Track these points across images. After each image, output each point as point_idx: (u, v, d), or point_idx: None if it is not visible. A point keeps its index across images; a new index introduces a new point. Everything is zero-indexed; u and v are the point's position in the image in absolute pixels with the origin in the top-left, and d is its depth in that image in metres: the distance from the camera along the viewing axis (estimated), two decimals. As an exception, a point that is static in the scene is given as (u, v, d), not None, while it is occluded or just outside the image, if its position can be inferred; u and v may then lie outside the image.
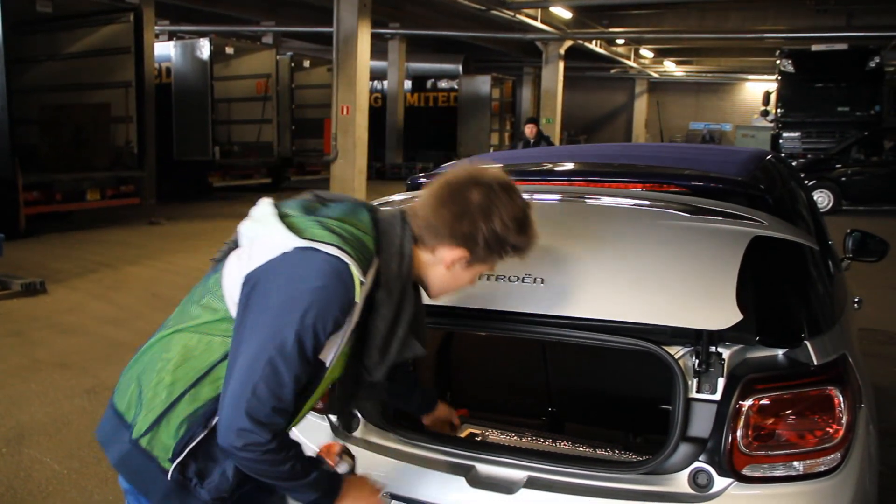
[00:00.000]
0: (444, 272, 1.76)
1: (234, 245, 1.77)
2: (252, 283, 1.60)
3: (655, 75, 34.15)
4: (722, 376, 2.01)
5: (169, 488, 1.65)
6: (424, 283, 1.80)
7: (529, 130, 12.88)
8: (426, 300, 1.89)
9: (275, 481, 1.62)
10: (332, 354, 1.65)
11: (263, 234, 1.65)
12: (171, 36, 18.79)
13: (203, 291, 1.75)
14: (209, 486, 1.66)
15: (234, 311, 1.64)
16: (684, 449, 1.99)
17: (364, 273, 1.59)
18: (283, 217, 1.66)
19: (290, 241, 1.58)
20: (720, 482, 1.95)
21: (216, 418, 1.60)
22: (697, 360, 2.01)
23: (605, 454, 2.43)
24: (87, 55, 13.09)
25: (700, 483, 1.96)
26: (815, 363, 2.01)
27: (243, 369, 1.54)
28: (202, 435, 1.63)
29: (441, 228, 1.70)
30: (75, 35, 13.19)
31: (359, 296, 1.59)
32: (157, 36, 16.05)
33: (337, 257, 1.56)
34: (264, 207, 1.71)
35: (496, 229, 1.67)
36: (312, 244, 1.57)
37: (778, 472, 1.96)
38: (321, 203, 1.77)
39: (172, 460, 1.63)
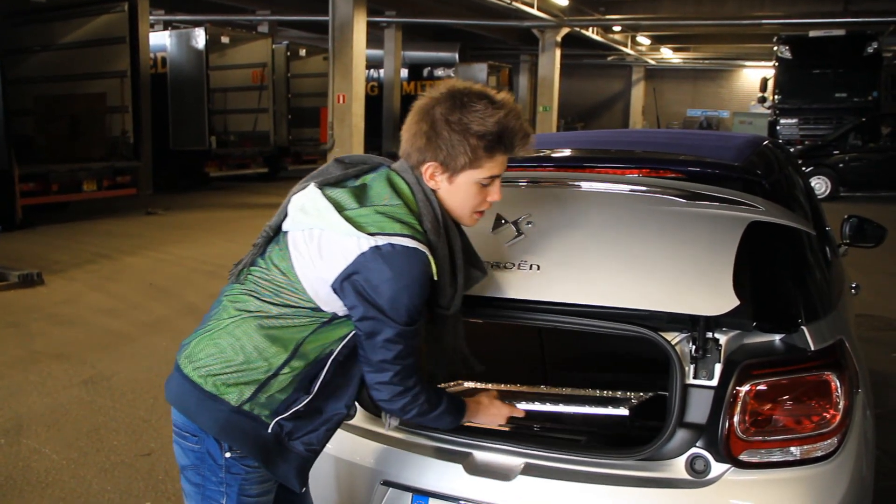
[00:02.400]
0: (451, 193, 1.82)
1: (277, 231, 1.86)
2: (346, 288, 1.72)
3: (652, 62, 34.08)
4: (719, 362, 2.00)
5: (268, 440, 1.80)
6: (451, 212, 1.86)
7: None
8: None
9: (427, 416, 1.89)
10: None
11: (328, 231, 1.73)
12: (167, 25, 18.72)
13: (271, 283, 1.81)
14: (303, 440, 1.85)
15: (324, 307, 1.78)
16: (681, 435, 1.99)
17: (426, 244, 1.73)
18: (340, 210, 1.73)
19: (364, 242, 1.69)
20: (717, 468, 1.95)
21: (318, 381, 1.82)
22: (694, 346, 2.01)
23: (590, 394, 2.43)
24: (82, 45, 13.04)
25: (697, 469, 1.96)
26: (813, 348, 2.01)
27: (387, 357, 1.76)
28: (306, 399, 1.82)
29: (417, 153, 1.80)
30: (70, 25, 13.13)
31: (435, 272, 1.74)
32: (152, 25, 15.98)
33: (413, 248, 1.69)
34: (316, 198, 1.77)
35: (451, 120, 1.74)
36: (388, 240, 1.68)
37: (775, 458, 1.96)
38: (352, 173, 1.88)
39: (273, 417, 1.80)
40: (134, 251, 9.45)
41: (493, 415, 2.07)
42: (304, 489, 1.95)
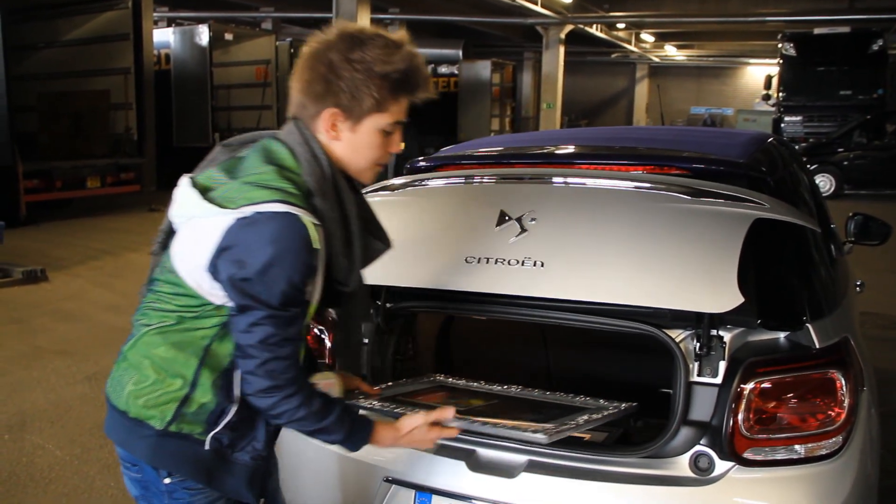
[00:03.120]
0: (353, 143, 1.69)
1: (168, 234, 1.73)
2: (219, 268, 1.57)
3: (656, 59, 34.01)
4: (723, 360, 2.00)
5: (207, 458, 1.67)
6: (347, 168, 1.72)
7: None
8: (428, 282, 1.89)
9: (307, 427, 1.67)
10: (315, 291, 1.66)
11: (198, 218, 1.61)
12: (170, 22, 18.70)
13: (165, 290, 1.70)
14: (247, 449, 1.71)
15: (209, 297, 1.64)
16: (685, 433, 1.99)
17: (309, 209, 1.58)
18: (205, 192, 1.62)
19: (231, 216, 1.55)
20: (721, 465, 1.95)
21: (237, 389, 1.65)
22: (698, 344, 2.00)
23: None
24: (85, 42, 13.04)
25: (701, 466, 1.96)
26: (817, 346, 2.00)
27: (251, 342, 1.58)
28: (234, 408, 1.67)
29: (314, 102, 1.66)
30: (74, 22, 13.12)
31: (315, 239, 1.57)
32: (155, 22, 15.95)
33: (283, 213, 1.53)
34: (184, 188, 1.66)
35: (353, 59, 1.62)
36: (254, 209, 1.54)
37: (779, 456, 1.95)
38: (234, 155, 1.75)
39: (207, 433, 1.66)
40: (137, 248, 9.44)
41: (411, 441, 1.82)
42: (262, 499, 1.84)
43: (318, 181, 1.63)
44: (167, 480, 1.68)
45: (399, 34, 1.69)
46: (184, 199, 1.65)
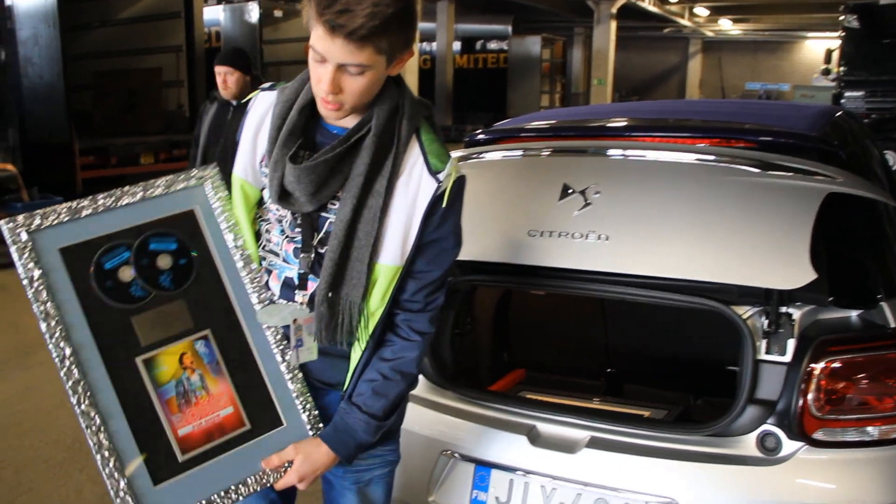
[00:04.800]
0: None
1: None
2: None
3: (710, 34, 33.25)
4: (792, 337, 1.95)
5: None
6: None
7: None
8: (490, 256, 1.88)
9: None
10: None
11: None
12: (220, 0, 18.85)
13: None
14: None
15: None
16: (752, 411, 1.95)
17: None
18: None
19: None
20: (789, 445, 1.90)
21: None
22: (767, 321, 1.95)
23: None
24: (138, 20, 13.20)
25: (768, 446, 1.92)
26: (893, 325, 1.95)
27: None
28: None
29: None
30: (127, 1, 13.30)
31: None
32: (206, 0, 16.10)
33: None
34: None
35: None
36: None
37: (850, 437, 1.90)
38: None
39: None
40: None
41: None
42: None
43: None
44: None
45: None
46: None
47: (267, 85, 1.70)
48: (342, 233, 1.52)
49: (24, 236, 1.43)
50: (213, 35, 16.21)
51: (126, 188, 1.54)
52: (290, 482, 1.57)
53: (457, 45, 23.87)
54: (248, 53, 5.04)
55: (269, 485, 1.56)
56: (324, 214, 1.58)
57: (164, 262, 1.53)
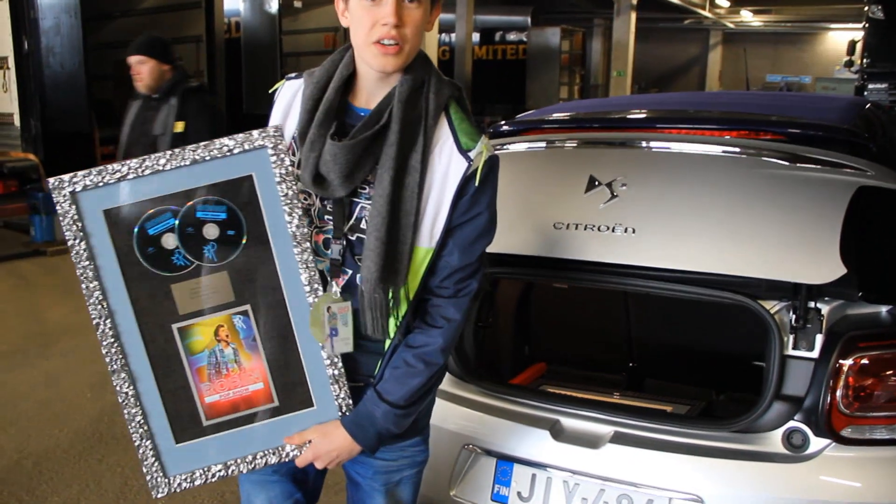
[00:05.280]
0: (351, 24, 1.54)
1: None
2: None
3: (731, 25, 32.91)
4: (820, 333, 1.92)
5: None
6: (361, 55, 1.59)
7: None
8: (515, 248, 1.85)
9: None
10: None
11: None
12: (240, -10, 18.88)
13: None
14: None
15: None
16: (778, 407, 1.92)
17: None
18: None
19: None
20: (816, 443, 1.88)
21: None
22: (794, 316, 1.93)
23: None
24: (159, 10, 13.28)
25: (795, 443, 1.89)
26: None
27: None
28: None
29: None
30: (147, -10, 13.37)
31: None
32: (226, -10, 16.13)
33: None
34: None
35: None
36: None
37: (879, 435, 1.87)
38: None
39: None
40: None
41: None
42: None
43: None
44: None
45: None
46: None
47: (293, 74, 1.69)
48: (384, 209, 1.47)
49: (68, 196, 1.43)
50: (232, 25, 16.22)
51: (178, 149, 1.47)
52: (307, 460, 1.57)
53: (476, 37, 23.75)
54: (166, 41, 4.78)
55: (287, 459, 1.58)
56: (355, 200, 1.55)
57: (210, 231, 1.49)
